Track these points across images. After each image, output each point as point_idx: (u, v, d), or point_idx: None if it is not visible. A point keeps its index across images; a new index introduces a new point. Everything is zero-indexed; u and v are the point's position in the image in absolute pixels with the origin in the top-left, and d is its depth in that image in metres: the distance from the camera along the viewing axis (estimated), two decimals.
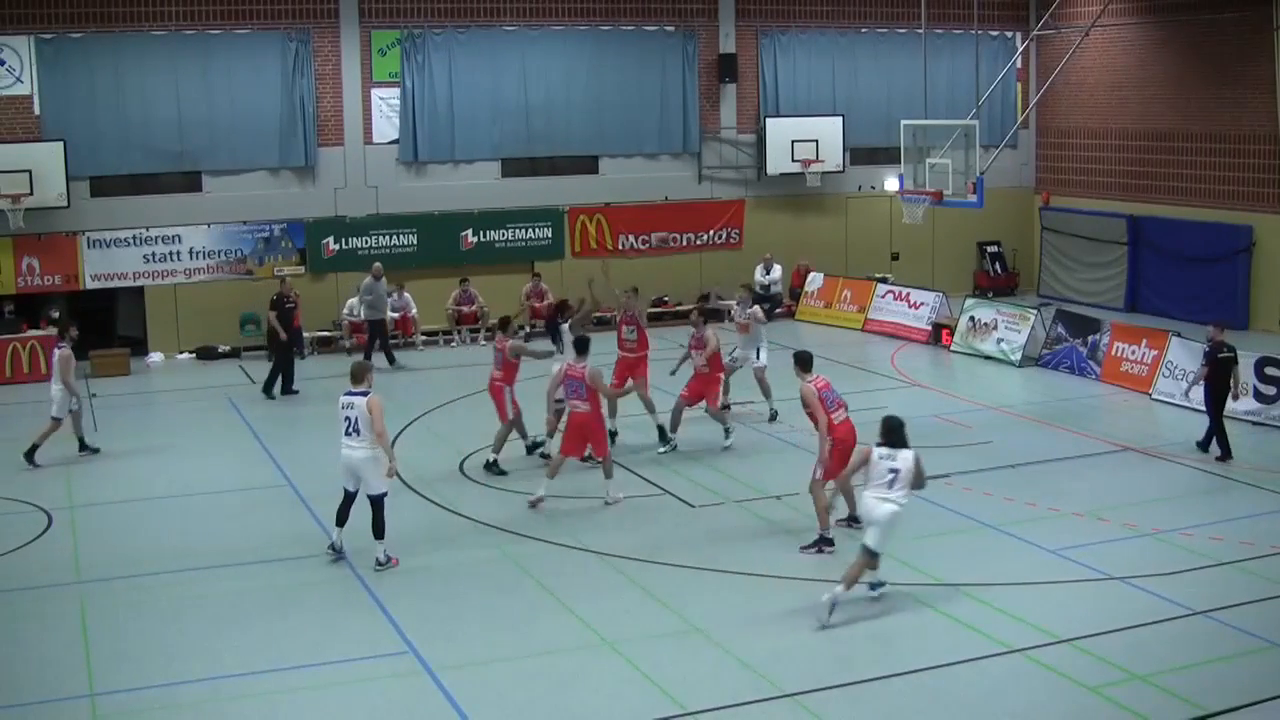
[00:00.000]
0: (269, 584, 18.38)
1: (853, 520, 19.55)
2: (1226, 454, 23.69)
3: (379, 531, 18.82)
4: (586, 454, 22.53)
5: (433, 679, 15.07)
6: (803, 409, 19.90)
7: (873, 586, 17.26)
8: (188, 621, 17.02)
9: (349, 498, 18.98)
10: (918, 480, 16.96)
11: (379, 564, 18.80)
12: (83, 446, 25.60)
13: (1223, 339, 24.24)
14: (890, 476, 16.79)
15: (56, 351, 25.11)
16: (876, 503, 16.80)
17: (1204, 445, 24.14)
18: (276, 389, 30.44)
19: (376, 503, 18.80)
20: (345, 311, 35.77)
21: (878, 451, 17.03)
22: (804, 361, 20.03)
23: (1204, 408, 24.43)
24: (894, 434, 17.05)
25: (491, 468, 23.66)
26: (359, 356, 31.70)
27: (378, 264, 34.45)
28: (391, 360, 33.68)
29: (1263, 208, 35.59)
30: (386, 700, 14.59)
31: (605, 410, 22.48)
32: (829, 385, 19.81)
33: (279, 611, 17.36)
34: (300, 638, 16.43)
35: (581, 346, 22.06)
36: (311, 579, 18.53)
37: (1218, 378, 24.00)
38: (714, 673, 15.15)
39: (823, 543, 19.29)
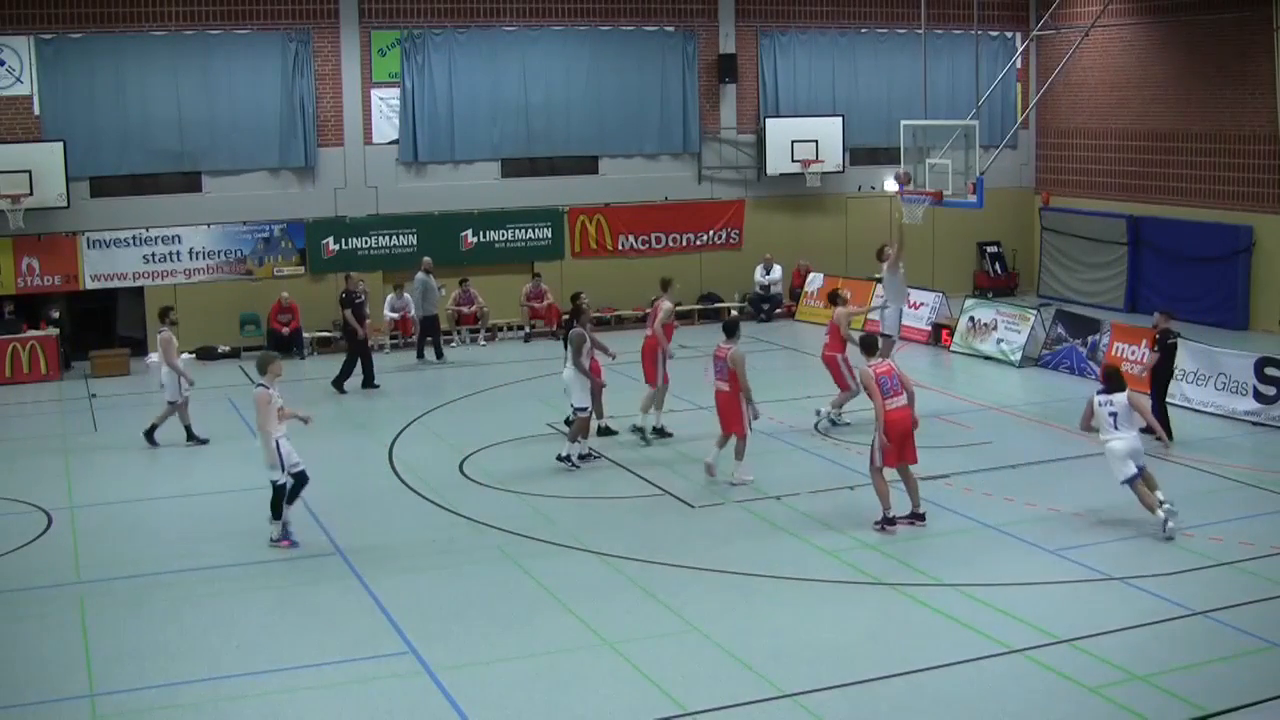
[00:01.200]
0: (269, 584, 18.38)
1: (915, 518, 20.18)
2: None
3: (274, 512, 19.78)
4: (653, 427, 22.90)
5: (433, 679, 15.06)
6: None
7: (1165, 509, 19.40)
8: (188, 622, 17.02)
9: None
10: (1138, 416, 19.97)
11: (271, 541, 19.67)
12: (190, 436, 25.96)
13: (1169, 326, 24.61)
14: (1111, 419, 19.67)
15: (159, 335, 25.61)
16: (1109, 443, 19.73)
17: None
18: (349, 384, 30.87)
19: (274, 486, 19.66)
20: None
21: (1097, 399, 19.94)
22: (869, 346, 20.78)
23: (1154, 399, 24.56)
24: (1111, 380, 20.06)
25: (659, 431, 25.60)
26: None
27: (427, 258, 34.75)
28: (440, 355, 34.00)
29: (1262, 208, 35.60)
30: (386, 701, 14.58)
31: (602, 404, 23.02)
32: (891, 371, 20.15)
33: (279, 612, 17.37)
34: (300, 638, 16.43)
35: (730, 329, 22.81)
36: (312, 579, 18.53)
37: (1165, 364, 24.19)
38: (714, 673, 15.14)
39: (885, 523, 19.90)
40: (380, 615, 17.10)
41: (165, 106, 34.77)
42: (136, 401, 30.47)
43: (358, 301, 31.07)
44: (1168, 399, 26.33)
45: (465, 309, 36.50)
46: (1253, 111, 35.62)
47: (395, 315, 35.77)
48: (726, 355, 22.14)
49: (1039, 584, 17.88)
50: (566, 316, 24.95)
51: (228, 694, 14.84)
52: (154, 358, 34.23)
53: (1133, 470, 19.54)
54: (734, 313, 26.06)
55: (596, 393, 24.50)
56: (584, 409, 23.84)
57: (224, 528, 20.88)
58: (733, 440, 22.51)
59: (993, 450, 24.53)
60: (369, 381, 30.76)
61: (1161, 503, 19.44)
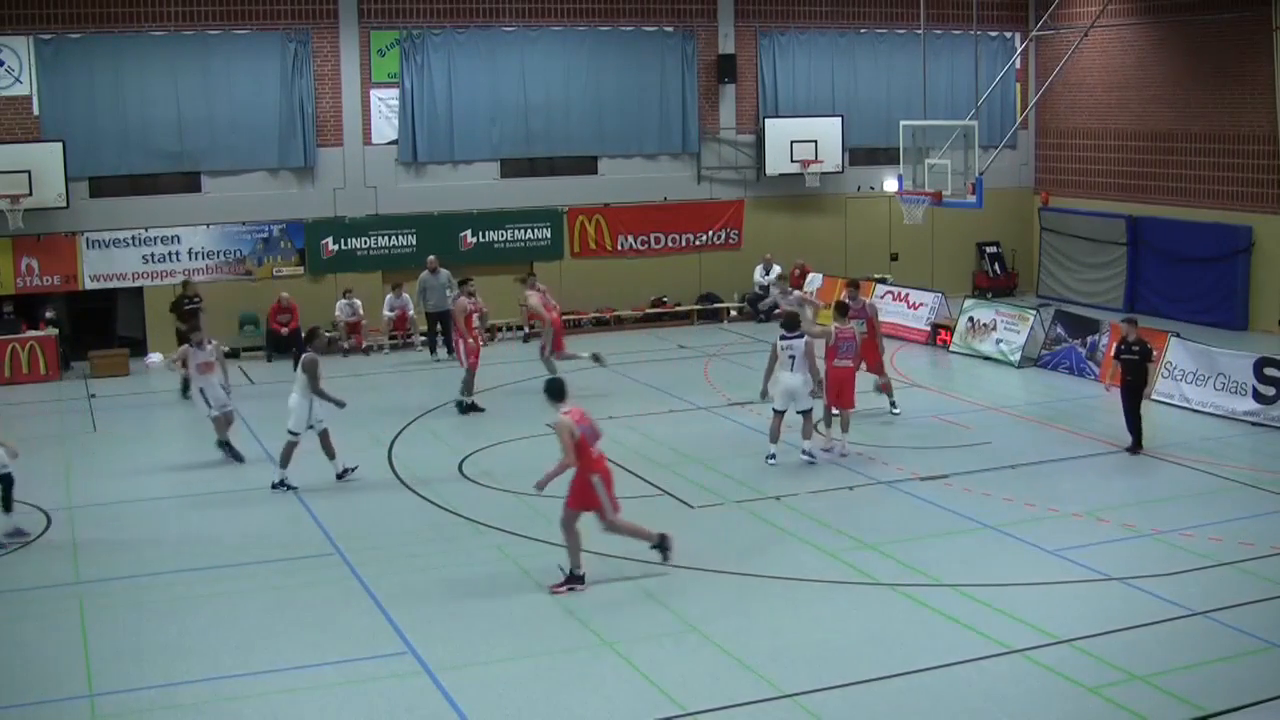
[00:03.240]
0: (268, 584, 18.38)
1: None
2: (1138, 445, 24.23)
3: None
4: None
5: (432, 679, 15.07)
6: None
7: None
8: (187, 622, 17.03)
9: None
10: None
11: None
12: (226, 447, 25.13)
13: (1129, 335, 24.46)
14: (790, 361, 23.21)
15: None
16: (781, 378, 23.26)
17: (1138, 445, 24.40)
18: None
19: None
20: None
21: (780, 343, 23.31)
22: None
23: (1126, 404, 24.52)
24: (789, 325, 23.36)
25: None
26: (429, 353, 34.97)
27: (432, 256, 34.88)
28: (451, 350, 33.55)
29: (1262, 208, 35.61)
30: (386, 701, 14.59)
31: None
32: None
33: (278, 612, 17.37)
34: (300, 638, 16.43)
35: (841, 310, 25.18)
36: (311, 579, 18.53)
37: (1134, 374, 24.19)
38: (713, 673, 15.15)
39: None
40: (379, 615, 17.11)
41: (164, 107, 34.74)
42: (135, 402, 30.49)
43: (187, 308, 31.00)
44: (1167, 400, 26.44)
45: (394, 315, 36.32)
46: (1252, 112, 35.63)
47: (392, 314, 35.79)
48: (854, 335, 24.67)
49: (1038, 584, 17.89)
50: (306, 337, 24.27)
51: (227, 694, 14.85)
52: (155, 358, 34.29)
53: (783, 407, 23.42)
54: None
55: (471, 374, 27.54)
56: (295, 434, 23.09)
57: (223, 528, 20.89)
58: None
59: (992, 450, 24.53)
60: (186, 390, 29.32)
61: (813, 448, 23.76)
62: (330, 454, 23.32)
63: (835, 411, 24.57)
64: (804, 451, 23.62)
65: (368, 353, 35.39)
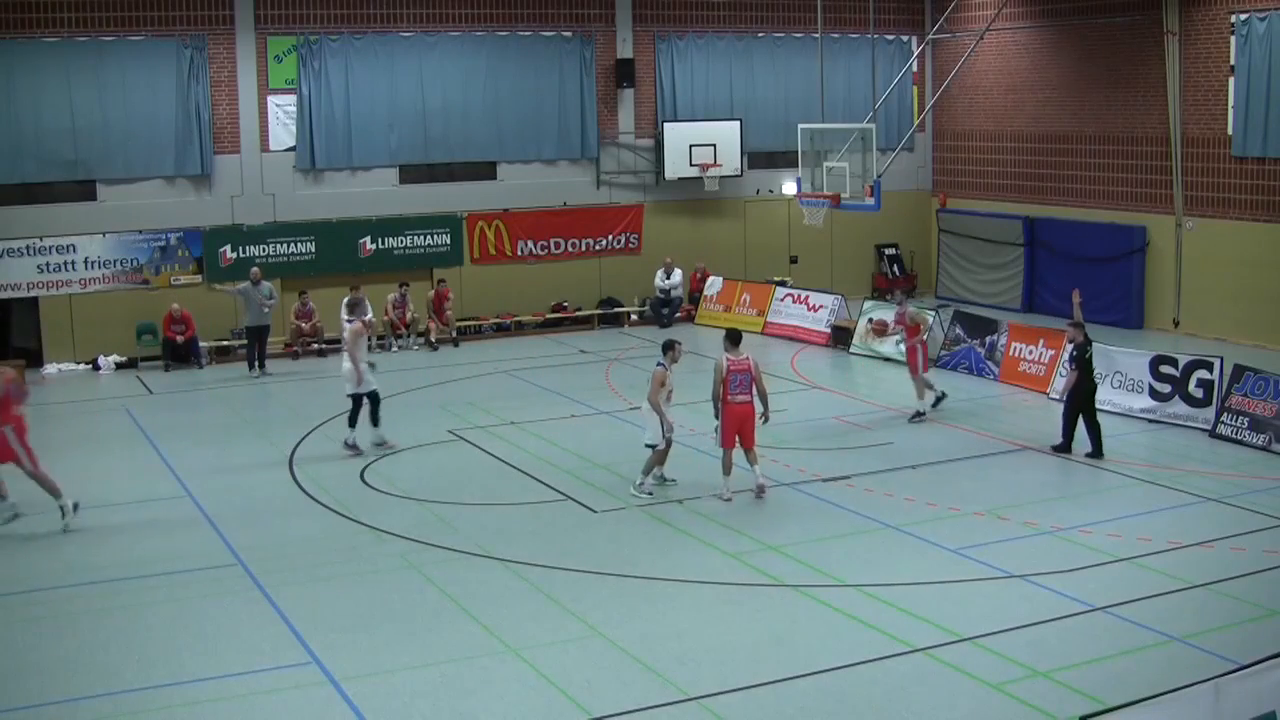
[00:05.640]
0: (170, 596, 18.19)
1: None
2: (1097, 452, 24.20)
3: None
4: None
5: (336, 689, 14.97)
6: None
7: None
8: (86, 636, 16.80)
9: None
10: None
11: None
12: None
13: (1079, 338, 24.24)
14: None
15: (348, 325, 25.67)
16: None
17: (1068, 447, 24.42)
18: None
19: None
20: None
21: None
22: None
23: (1066, 406, 24.53)
24: None
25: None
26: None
27: (255, 268, 34.39)
28: (261, 366, 33.54)
29: (1155, 209, 36.07)
30: (290, 712, 14.47)
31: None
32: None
33: (180, 623, 17.18)
34: (202, 650, 16.26)
35: (737, 338, 22.45)
36: (212, 590, 18.35)
37: (1084, 378, 24.16)
38: (618, 677, 15.15)
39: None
40: (283, 626, 16.97)
41: (58, 114, 34.28)
42: (31, 414, 29.94)
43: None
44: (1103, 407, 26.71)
45: (304, 323, 35.94)
46: (1145, 114, 36.09)
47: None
48: (751, 366, 21.88)
49: (940, 583, 18.01)
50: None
51: (128, 709, 14.67)
52: (51, 370, 33.87)
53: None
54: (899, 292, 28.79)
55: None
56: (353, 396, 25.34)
57: (123, 541, 20.65)
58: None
59: (893, 451, 24.69)
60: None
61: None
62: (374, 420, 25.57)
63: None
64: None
65: (296, 357, 35.41)
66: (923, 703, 14.31)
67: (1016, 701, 14.24)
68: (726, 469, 21.82)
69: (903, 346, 28.72)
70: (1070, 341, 24.57)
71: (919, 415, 27.01)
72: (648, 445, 22.26)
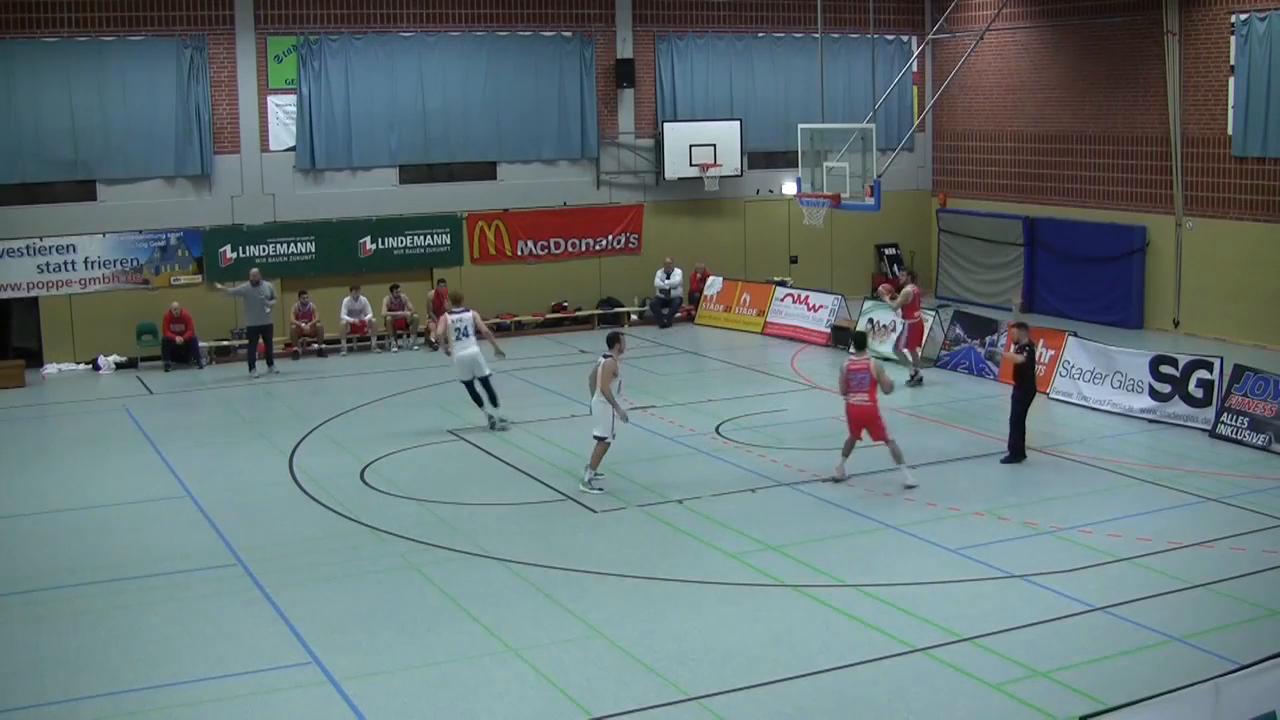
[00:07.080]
0: (170, 596, 18.19)
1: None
2: (1021, 455, 24.02)
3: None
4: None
5: (337, 689, 14.97)
6: None
7: None
8: (87, 636, 16.81)
9: None
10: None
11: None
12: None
13: (1020, 338, 24.03)
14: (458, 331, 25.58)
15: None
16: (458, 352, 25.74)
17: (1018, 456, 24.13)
18: None
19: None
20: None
21: (450, 318, 25.48)
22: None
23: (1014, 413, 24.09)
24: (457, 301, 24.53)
25: None
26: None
27: (254, 269, 34.27)
28: (252, 367, 33.44)
29: (1155, 209, 36.06)
30: (289, 712, 14.47)
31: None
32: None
33: (180, 624, 17.18)
34: (202, 650, 16.26)
35: (861, 341, 23.67)
36: (212, 590, 18.36)
37: (1026, 376, 23.96)
38: (618, 677, 15.15)
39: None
40: (283, 626, 16.97)
41: (58, 114, 34.28)
42: (31, 414, 30.11)
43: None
44: (1066, 399, 26.59)
45: (304, 323, 35.97)
46: (1144, 113, 36.08)
47: (352, 319, 35.85)
48: (869, 367, 22.50)
49: (941, 583, 18.01)
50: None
51: (128, 709, 14.67)
52: (51, 369, 33.86)
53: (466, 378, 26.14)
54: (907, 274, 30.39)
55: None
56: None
57: (123, 541, 20.65)
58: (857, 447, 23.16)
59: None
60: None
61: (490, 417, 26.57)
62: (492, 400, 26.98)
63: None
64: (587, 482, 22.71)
65: (296, 357, 35.43)
66: (922, 703, 14.32)
67: (1016, 701, 14.24)
68: (846, 451, 23.03)
69: (901, 333, 30.81)
70: (1016, 342, 24.23)
71: (916, 378, 29.53)
72: (596, 437, 22.45)
